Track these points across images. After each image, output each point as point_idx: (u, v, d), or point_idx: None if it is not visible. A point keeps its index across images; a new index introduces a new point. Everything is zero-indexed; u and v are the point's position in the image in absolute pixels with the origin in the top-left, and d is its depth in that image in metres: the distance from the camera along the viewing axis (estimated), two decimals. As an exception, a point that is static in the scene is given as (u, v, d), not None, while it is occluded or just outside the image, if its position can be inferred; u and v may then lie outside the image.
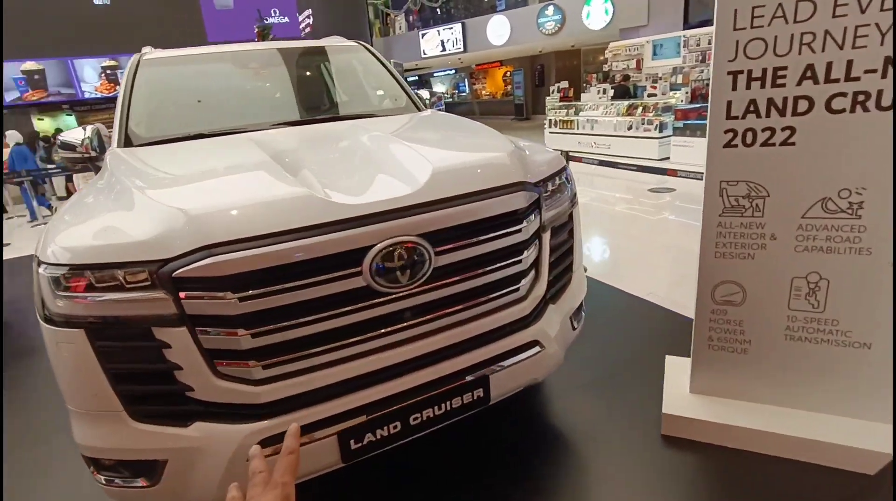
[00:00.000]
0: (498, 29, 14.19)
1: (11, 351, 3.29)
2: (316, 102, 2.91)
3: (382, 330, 1.37)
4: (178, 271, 1.17)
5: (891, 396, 1.67)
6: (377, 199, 1.31)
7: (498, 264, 1.49)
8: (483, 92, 24.14)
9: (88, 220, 1.41)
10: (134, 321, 1.22)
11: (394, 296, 1.33)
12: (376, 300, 1.32)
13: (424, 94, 3.11)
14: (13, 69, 10.55)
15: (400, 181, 1.41)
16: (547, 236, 1.66)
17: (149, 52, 2.75)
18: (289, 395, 1.29)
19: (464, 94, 24.96)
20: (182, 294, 1.18)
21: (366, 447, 1.39)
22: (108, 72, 11.18)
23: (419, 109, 2.71)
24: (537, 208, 1.59)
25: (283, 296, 1.23)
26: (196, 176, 1.66)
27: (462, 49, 15.52)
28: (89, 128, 2.43)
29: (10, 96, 10.67)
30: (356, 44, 3.10)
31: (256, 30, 6.88)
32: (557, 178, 1.71)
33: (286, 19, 12.97)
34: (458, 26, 15.34)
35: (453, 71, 24.53)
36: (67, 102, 11.45)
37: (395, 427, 1.41)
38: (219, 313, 1.19)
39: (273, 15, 12.49)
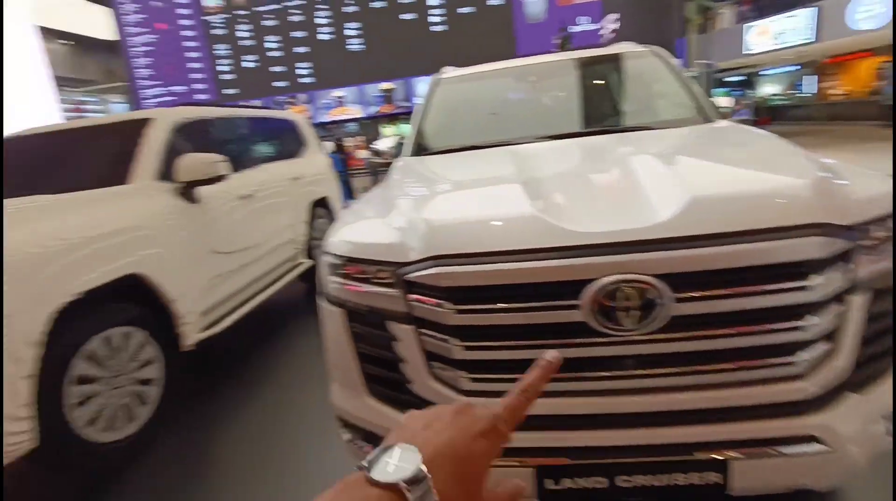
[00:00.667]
0: (869, 8, 11.21)
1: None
2: (594, 113, 2.80)
3: (599, 374, 1.23)
4: (409, 276, 1.29)
5: None
6: (610, 229, 1.17)
7: (766, 327, 1.15)
8: (834, 91, 19.46)
9: (362, 219, 1.69)
10: (376, 312, 1.40)
11: (615, 340, 1.17)
12: (594, 340, 1.19)
13: (723, 102, 2.66)
14: (374, 89, 13.66)
15: (646, 209, 1.22)
16: (863, 301, 1.20)
17: (447, 72, 3.13)
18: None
19: (804, 94, 20.59)
20: (411, 297, 1.30)
21: (563, 491, 1.28)
22: (438, 86, 13.39)
23: (709, 120, 2.33)
24: (846, 260, 1.16)
25: (497, 315, 1.22)
26: (448, 188, 1.80)
27: (812, 38, 12.83)
28: (394, 138, 2.92)
29: (371, 110, 13.87)
30: (645, 49, 2.86)
31: (556, 41, 7.12)
32: (890, 221, 1.22)
33: (598, 25, 13.02)
34: (807, 11, 12.75)
35: (796, 67, 20.47)
36: (406, 114, 14.19)
37: (598, 482, 1.25)
38: (438, 320, 1.26)
39: (577, 24, 12.71)
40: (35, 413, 1.93)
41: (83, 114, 16.66)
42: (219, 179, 2.98)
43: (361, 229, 1.60)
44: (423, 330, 1.31)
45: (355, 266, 1.46)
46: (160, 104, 14.25)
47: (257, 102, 11.87)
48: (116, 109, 19.16)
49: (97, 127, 3.16)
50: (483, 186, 1.74)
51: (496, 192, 1.61)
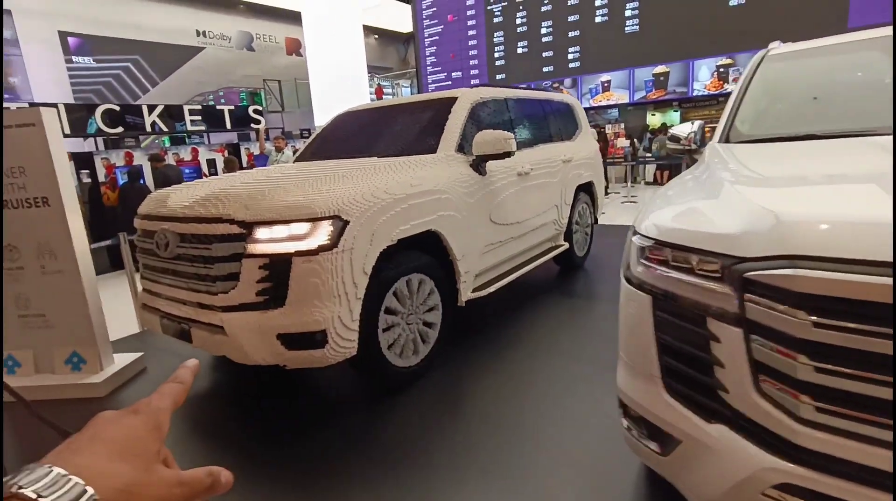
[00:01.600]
0: None
1: (588, 294, 4.25)
2: None
3: None
4: (750, 273, 1.15)
5: None
6: None
7: None
8: None
9: (678, 204, 1.59)
10: (693, 305, 1.31)
11: None
12: None
13: None
14: (646, 73, 12.80)
15: None
16: None
17: (776, 48, 2.70)
18: (833, 454, 1.08)
19: None
20: (749, 296, 1.17)
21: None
22: (721, 70, 11.81)
23: None
24: None
25: (868, 339, 1.01)
26: (794, 180, 1.55)
27: None
28: (696, 123, 2.67)
29: (638, 95, 13.09)
30: None
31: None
32: None
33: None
34: None
35: None
36: (677, 100, 12.98)
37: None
38: (783, 329, 1.11)
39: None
40: (358, 329, 2.42)
41: (383, 96, 19.89)
42: (508, 154, 3.20)
43: (682, 213, 1.51)
44: (757, 337, 1.17)
45: (674, 252, 1.38)
46: (438, 87, 16.07)
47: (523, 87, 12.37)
48: (405, 92, 22.35)
49: (415, 104, 3.70)
50: (841, 182, 1.46)
51: (861, 189, 1.32)
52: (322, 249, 2.26)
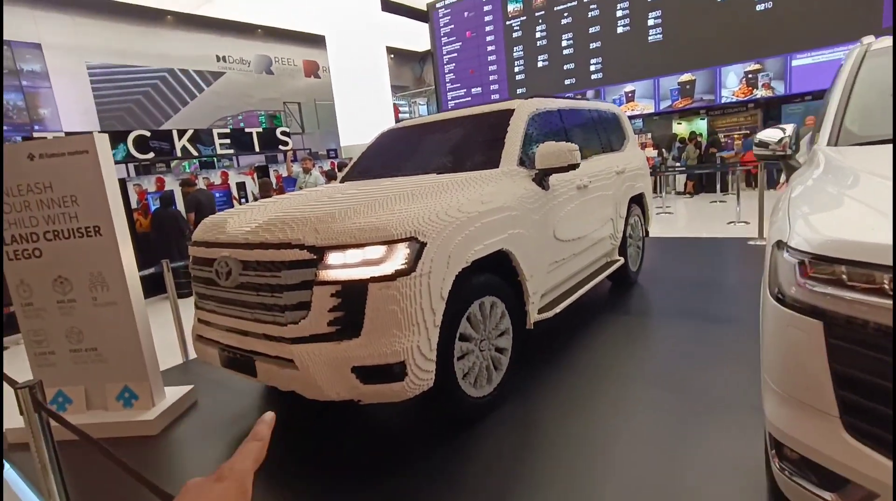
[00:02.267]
0: None
1: (642, 311, 4.02)
2: None
3: None
4: None
5: None
6: None
7: None
8: None
9: (825, 213, 1.40)
10: (886, 331, 1.11)
11: None
12: None
13: None
14: (672, 82, 12.63)
15: None
16: None
17: (875, 42, 2.51)
18: None
19: None
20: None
21: None
22: (750, 76, 11.59)
23: None
24: None
25: None
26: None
27: None
28: (791, 126, 2.47)
29: (664, 104, 12.90)
30: None
31: None
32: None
33: None
34: None
35: None
36: (705, 107, 12.76)
37: None
38: None
39: None
40: (435, 359, 2.24)
41: (399, 116, 19.98)
42: (572, 167, 3.03)
43: (843, 224, 1.31)
44: None
45: (848, 270, 1.18)
46: (458, 104, 16.05)
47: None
48: (422, 111, 22.44)
49: (468, 117, 3.56)
50: None
51: None
52: (399, 273, 2.10)
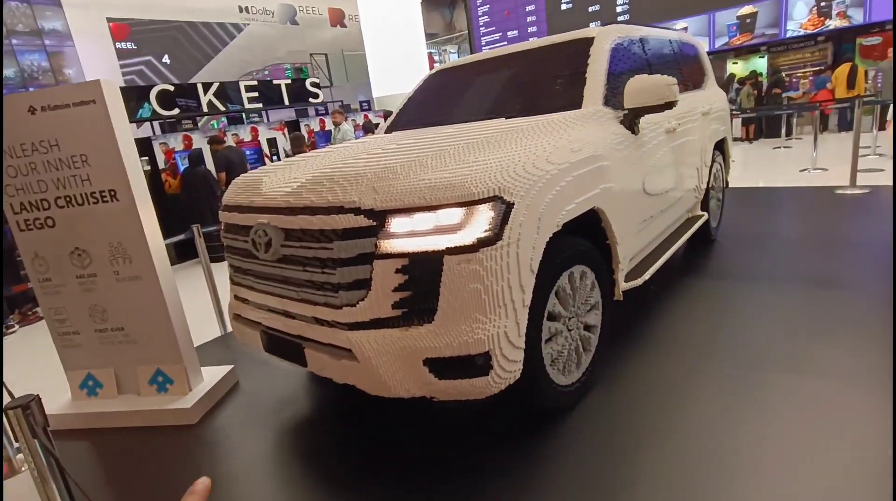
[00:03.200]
0: None
1: (723, 273, 3.48)
2: None
3: None
4: None
5: None
6: None
7: None
8: None
9: None
10: None
11: None
12: None
13: None
14: (729, 16, 11.40)
15: None
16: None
17: None
18: None
19: None
20: None
21: None
22: (823, 4, 10.31)
23: None
24: None
25: None
26: None
27: None
28: None
29: (719, 42, 11.72)
30: None
31: None
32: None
33: None
34: None
35: None
36: (765, 44, 11.54)
37: None
38: None
39: None
40: (524, 346, 1.81)
41: (434, 64, 19.02)
42: (669, 106, 2.47)
43: None
44: None
45: None
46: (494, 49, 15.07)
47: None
48: (453, 58, 21.37)
49: (536, 50, 2.98)
50: None
51: None
52: (482, 243, 1.64)
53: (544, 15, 14.04)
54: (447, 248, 1.63)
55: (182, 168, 6.65)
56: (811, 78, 10.94)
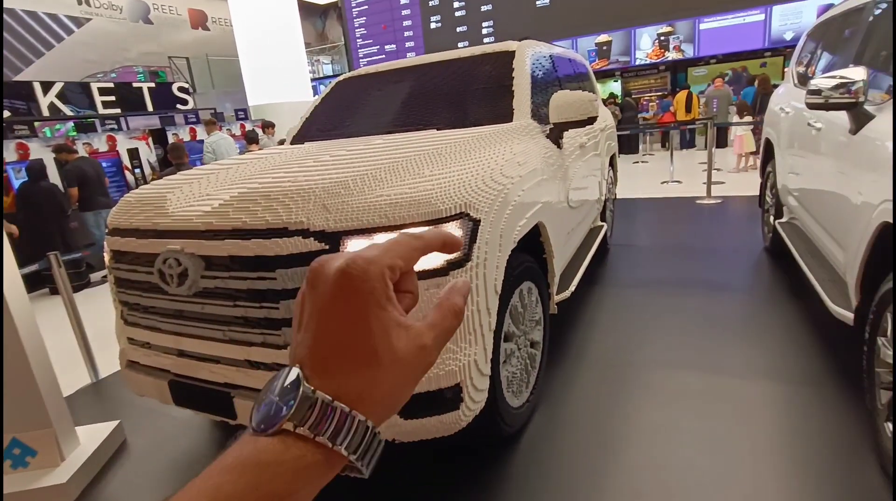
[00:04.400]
0: None
1: (621, 281, 3.74)
2: None
3: None
4: None
5: None
6: None
7: None
8: None
9: None
10: None
11: None
12: None
13: None
14: (589, 42, 12.60)
15: None
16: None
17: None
18: None
19: None
20: None
21: None
22: (662, 38, 11.85)
23: None
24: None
25: None
26: None
27: None
28: (859, 72, 2.17)
29: (583, 65, 12.89)
30: None
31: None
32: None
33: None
34: None
35: None
36: (619, 69, 12.94)
37: None
38: None
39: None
40: (490, 373, 1.69)
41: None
42: (591, 121, 2.55)
43: None
44: None
45: None
46: (371, 62, 14.92)
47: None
48: (326, 69, 20.82)
49: (456, 61, 2.92)
50: None
51: None
52: (452, 265, 1.50)
53: (422, 30, 14.30)
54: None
55: (17, 183, 5.49)
56: (657, 101, 12.51)
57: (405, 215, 1.48)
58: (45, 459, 2.05)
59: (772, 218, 3.75)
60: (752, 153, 8.17)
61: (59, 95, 6.66)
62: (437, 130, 2.39)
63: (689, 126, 9.99)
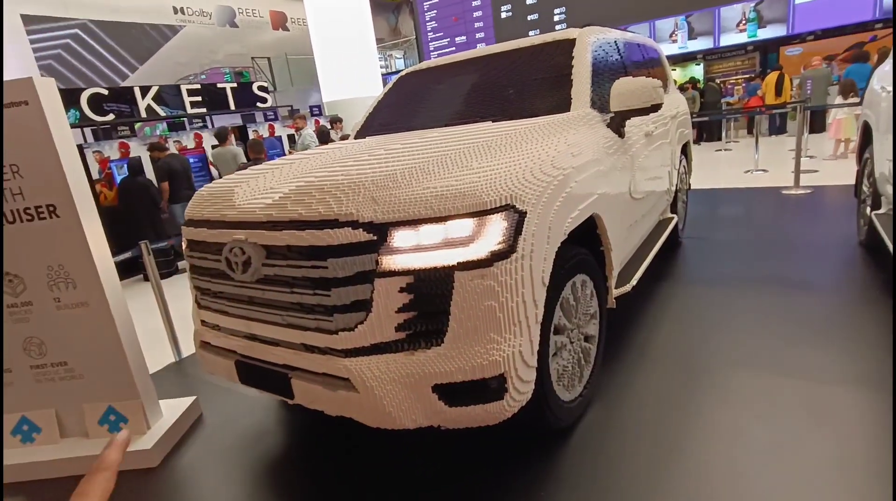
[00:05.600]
0: None
1: (694, 277, 3.52)
2: None
3: None
4: None
5: None
6: None
7: None
8: None
9: None
10: None
11: None
12: None
13: None
14: (669, 24, 11.91)
15: None
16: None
17: None
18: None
19: None
20: None
21: None
22: (750, 15, 10.96)
23: None
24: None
25: None
26: None
27: None
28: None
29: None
30: None
31: None
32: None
33: None
34: None
35: None
36: (701, 52, 12.14)
37: None
38: None
39: None
40: (537, 365, 1.68)
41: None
42: (655, 108, 2.43)
43: None
44: None
45: None
46: (441, 55, 15.00)
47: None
48: (398, 64, 21.22)
49: (515, 51, 2.89)
50: None
51: None
52: (496, 256, 1.50)
53: (492, 21, 14.17)
54: (459, 263, 1.48)
55: (119, 178, 6.10)
56: (744, 85, 11.61)
57: (450, 206, 1.50)
58: (134, 426, 2.29)
59: (868, 209, 3.39)
60: (850, 140, 7.39)
61: (155, 98, 7.30)
62: (494, 121, 2.39)
63: (779, 111, 9.19)
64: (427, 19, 15.13)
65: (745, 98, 11.09)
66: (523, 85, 2.70)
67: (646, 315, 3.01)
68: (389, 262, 1.51)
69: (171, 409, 2.45)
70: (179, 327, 3.36)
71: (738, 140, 11.07)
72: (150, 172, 6.25)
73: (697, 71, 12.70)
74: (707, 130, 11.94)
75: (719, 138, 10.97)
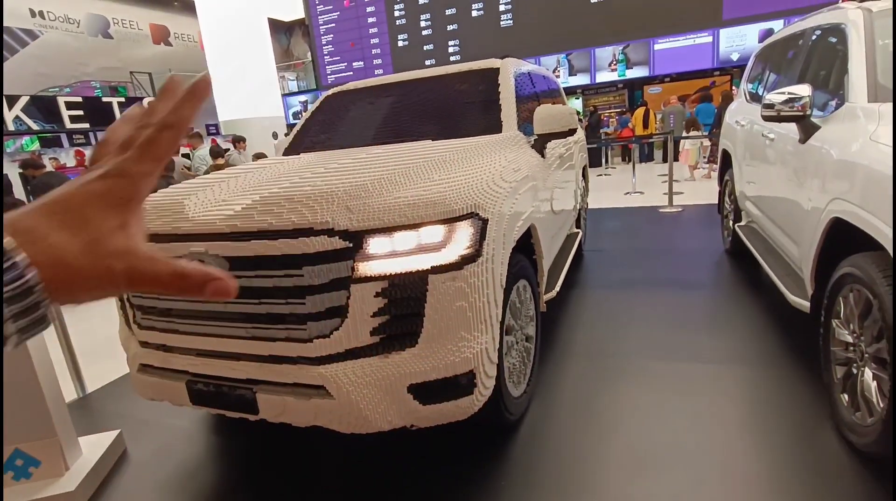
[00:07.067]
0: None
1: (599, 283, 3.96)
2: None
3: None
4: None
5: None
6: None
7: None
8: None
9: None
10: None
11: None
12: None
13: None
14: (552, 62, 13.10)
15: None
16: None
17: (874, 4, 2.57)
18: None
19: None
20: None
21: None
22: (619, 57, 12.48)
23: None
24: None
25: None
26: None
27: None
28: (804, 88, 2.44)
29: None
30: None
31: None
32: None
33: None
34: None
35: None
36: (581, 87, 13.49)
37: None
38: None
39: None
40: (497, 362, 1.83)
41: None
42: (572, 132, 2.76)
43: None
44: None
45: None
46: (339, 79, 15.01)
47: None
48: (291, 86, 20.76)
49: (443, 77, 3.09)
50: None
51: None
52: (465, 260, 1.64)
53: (389, 48, 14.54)
54: (433, 267, 1.59)
55: (-24, 199, 5.29)
56: (617, 118, 13.12)
57: (422, 214, 1.61)
58: (49, 469, 2.05)
59: (731, 222, 4.06)
60: (692, 167, 9.00)
61: (24, 110, 6.48)
62: (432, 140, 2.55)
63: (647, 140, 10.54)
64: (323, 42, 15.12)
65: (618, 129, 12.53)
66: (454, 107, 2.90)
67: (566, 318, 3.31)
68: (365, 268, 1.58)
69: (92, 446, 2.22)
70: (83, 359, 3.03)
71: (615, 167, 12.40)
72: (19, 193, 5.51)
73: (577, 104, 14.09)
74: (590, 157, 13.23)
75: (600, 164, 12.22)
